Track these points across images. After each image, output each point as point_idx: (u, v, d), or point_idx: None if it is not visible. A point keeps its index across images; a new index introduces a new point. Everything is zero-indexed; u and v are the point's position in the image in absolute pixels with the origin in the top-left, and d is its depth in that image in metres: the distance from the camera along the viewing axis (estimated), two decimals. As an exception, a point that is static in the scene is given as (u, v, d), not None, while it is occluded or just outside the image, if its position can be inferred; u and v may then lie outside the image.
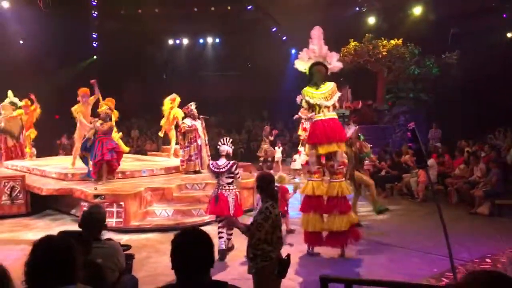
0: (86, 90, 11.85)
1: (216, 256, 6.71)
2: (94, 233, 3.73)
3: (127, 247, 4.40)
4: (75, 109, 11.63)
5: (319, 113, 6.99)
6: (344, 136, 7.14)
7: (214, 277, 5.91)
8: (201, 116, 11.60)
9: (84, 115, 11.59)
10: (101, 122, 10.09)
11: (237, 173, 7.25)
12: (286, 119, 20.35)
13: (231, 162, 7.21)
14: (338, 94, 7.12)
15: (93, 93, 11.94)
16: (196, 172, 11.21)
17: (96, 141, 9.86)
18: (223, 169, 7.13)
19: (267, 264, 4.10)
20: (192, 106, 11.60)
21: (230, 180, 7.19)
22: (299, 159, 13.80)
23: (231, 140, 7.64)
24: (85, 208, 3.93)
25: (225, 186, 7.16)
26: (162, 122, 13.54)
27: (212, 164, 7.33)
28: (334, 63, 7.13)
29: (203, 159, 11.48)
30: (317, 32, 7.14)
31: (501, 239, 6.00)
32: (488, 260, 5.58)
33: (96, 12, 21.20)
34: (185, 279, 2.31)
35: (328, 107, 7.00)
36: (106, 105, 10.68)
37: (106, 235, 8.03)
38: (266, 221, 4.09)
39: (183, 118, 11.98)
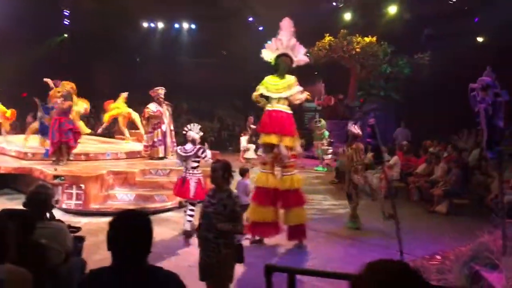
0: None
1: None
2: (39, 213, 3.63)
3: (77, 229, 4.32)
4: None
5: (270, 103, 7.02)
6: (291, 131, 7.03)
7: (172, 263, 5.89)
8: (166, 103, 11.48)
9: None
10: (62, 100, 9.85)
11: (205, 157, 7.52)
12: (260, 109, 20.26)
13: (198, 147, 7.51)
14: (297, 88, 7.13)
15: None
16: (160, 158, 11.10)
17: (53, 120, 9.63)
18: (190, 153, 7.45)
19: (229, 252, 4.12)
20: (160, 91, 11.44)
21: (195, 165, 7.57)
22: (253, 148, 13.97)
23: (199, 126, 7.88)
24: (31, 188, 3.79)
25: (189, 170, 7.52)
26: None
27: (180, 148, 7.65)
28: (301, 56, 7.14)
29: (167, 146, 11.39)
30: (286, 24, 7.14)
31: (451, 237, 6.15)
32: (438, 257, 5.72)
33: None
34: (119, 262, 2.29)
35: (280, 99, 7.02)
36: (67, 85, 10.44)
37: (64, 217, 8.02)
38: (240, 210, 4.23)
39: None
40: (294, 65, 7.19)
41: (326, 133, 15.82)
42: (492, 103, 4.39)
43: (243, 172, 7.74)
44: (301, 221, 7.01)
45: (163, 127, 11.29)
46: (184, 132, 7.83)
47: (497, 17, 14.41)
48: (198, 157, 7.50)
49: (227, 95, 24.27)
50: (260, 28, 21.71)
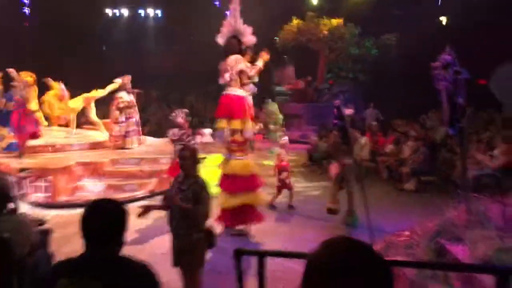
0: None
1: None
2: (-1, 206, 3.52)
3: (41, 221, 4.23)
4: None
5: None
6: (239, 114, 6.84)
7: (145, 251, 5.84)
8: (134, 90, 11.29)
9: None
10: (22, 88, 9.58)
11: (192, 142, 7.68)
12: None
13: (182, 131, 7.74)
14: (240, 66, 6.85)
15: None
16: (129, 148, 10.95)
17: (17, 112, 9.36)
18: (176, 138, 7.75)
19: (200, 236, 4.12)
20: (127, 79, 11.24)
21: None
22: (209, 133, 13.86)
23: (185, 111, 8.06)
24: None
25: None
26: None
27: (170, 133, 7.96)
28: (248, 37, 7.07)
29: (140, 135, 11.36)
30: (233, 5, 7.08)
31: (419, 213, 6.32)
32: (406, 232, 5.85)
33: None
34: (89, 251, 2.24)
35: (232, 81, 6.95)
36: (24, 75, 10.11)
37: (32, 210, 7.85)
38: (208, 195, 4.16)
39: (117, 91, 11.46)
40: (243, 47, 7.05)
41: (280, 117, 15.62)
42: (452, 81, 4.48)
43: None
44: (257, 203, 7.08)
45: (137, 117, 11.16)
46: (170, 118, 8.09)
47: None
48: (183, 141, 7.59)
49: (196, 81, 24.05)
50: (227, 12, 21.49)
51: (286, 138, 12.70)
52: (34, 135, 9.62)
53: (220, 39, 7.13)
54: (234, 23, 7.02)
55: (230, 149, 7.00)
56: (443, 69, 4.53)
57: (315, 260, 1.22)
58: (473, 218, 4.77)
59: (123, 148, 10.93)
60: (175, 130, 7.85)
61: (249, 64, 7.02)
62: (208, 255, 4.46)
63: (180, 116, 7.90)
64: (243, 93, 6.94)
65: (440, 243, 4.79)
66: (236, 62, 6.87)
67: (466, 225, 4.74)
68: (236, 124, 6.85)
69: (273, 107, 15.55)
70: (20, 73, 10.40)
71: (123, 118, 11.02)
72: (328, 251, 1.22)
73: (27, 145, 9.56)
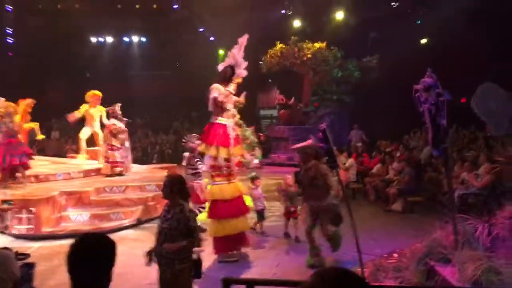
0: None
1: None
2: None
3: (25, 255, 4.13)
4: None
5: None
6: (211, 140, 6.92)
7: (132, 282, 5.71)
8: (124, 119, 11.32)
9: None
10: (9, 121, 9.48)
11: (198, 164, 8.23)
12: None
13: (190, 155, 8.27)
14: (213, 94, 6.92)
15: None
16: (118, 175, 10.91)
17: (4, 144, 9.24)
18: (186, 162, 8.27)
19: (185, 266, 4.05)
20: (117, 107, 11.29)
21: (191, 172, 8.33)
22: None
23: (196, 136, 8.39)
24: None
25: (190, 177, 8.10)
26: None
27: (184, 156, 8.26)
28: (241, 70, 7.27)
29: (129, 162, 11.35)
30: (242, 39, 7.29)
31: (407, 234, 6.32)
32: (395, 255, 5.85)
33: (10, 7, 19.95)
34: (77, 286, 2.19)
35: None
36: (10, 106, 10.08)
37: (15, 242, 7.68)
38: (196, 224, 4.14)
39: (107, 118, 11.55)
40: (235, 76, 7.21)
41: (255, 140, 15.37)
42: (434, 103, 4.56)
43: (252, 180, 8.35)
44: (245, 229, 7.15)
45: (127, 143, 11.19)
46: (183, 143, 8.69)
47: (437, 18, 15.05)
48: (192, 165, 8.08)
49: (182, 106, 24.11)
50: (212, 38, 21.75)
51: (256, 160, 12.81)
52: (26, 165, 9.48)
53: (220, 67, 7.33)
54: (236, 55, 7.21)
55: (210, 175, 7.13)
56: (425, 91, 4.60)
57: None
58: (460, 239, 4.78)
59: (120, 174, 10.88)
60: (187, 154, 8.34)
61: (232, 91, 7.12)
62: (196, 285, 4.38)
63: (192, 140, 8.30)
64: (223, 120, 7.00)
65: (429, 265, 4.79)
66: (212, 90, 6.95)
67: (454, 246, 4.75)
68: (212, 150, 6.88)
69: (245, 132, 15.31)
70: (6, 103, 10.35)
71: (118, 145, 11.02)
72: (321, 282, 1.24)
73: (21, 176, 9.44)
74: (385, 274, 5.06)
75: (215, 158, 6.89)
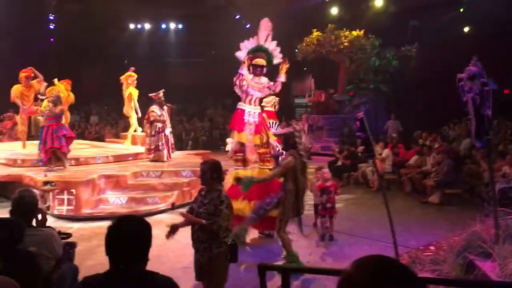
0: (28, 71, 11.44)
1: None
2: (26, 220, 3.57)
3: (67, 235, 4.28)
4: (14, 90, 11.29)
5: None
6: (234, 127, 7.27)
7: (167, 265, 5.84)
8: (168, 105, 11.47)
9: (23, 97, 11.28)
10: (52, 106, 9.74)
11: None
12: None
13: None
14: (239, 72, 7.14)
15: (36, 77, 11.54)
16: (162, 162, 11.12)
17: (46, 127, 9.54)
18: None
19: (222, 251, 4.10)
20: (161, 94, 11.46)
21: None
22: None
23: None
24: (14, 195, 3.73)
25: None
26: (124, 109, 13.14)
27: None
28: (276, 56, 7.43)
29: (170, 149, 11.49)
30: (265, 24, 7.31)
31: (444, 227, 6.18)
32: (431, 247, 5.73)
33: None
34: (116, 268, 2.26)
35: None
36: (55, 89, 10.34)
37: (56, 223, 7.95)
38: (228, 209, 4.12)
39: (150, 105, 11.66)
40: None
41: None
42: (479, 93, 4.40)
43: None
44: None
45: (167, 131, 11.34)
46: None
47: (481, 7, 14.51)
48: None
49: (216, 94, 24.23)
50: (248, 26, 21.66)
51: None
52: (61, 149, 9.73)
53: (240, 53, 7.30)
54: (263, 42, 7.30)
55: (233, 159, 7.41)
56: (470, 81, 4.45)
57: (349, 279, 1.21)
58: (502, 233, 4.64)
59: (158, 161, 11.07)
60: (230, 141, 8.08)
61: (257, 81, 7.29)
62: (232, 269, 4.42)
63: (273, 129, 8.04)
64: (243, 106, 7.25)
65: (467, 259, 4.68)
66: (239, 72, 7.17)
67: (495, 240, 4.61)
68: (234, 136, 7.27)
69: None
70: (61, 82, 10.65)
71: (153, 132, 11.19)
72: (362, 270, 1.21)
73: (59, 159, 9.72)
74: (422, 266, 4.96)
75: (233, 142, 7.23)
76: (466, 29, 17.62)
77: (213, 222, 4.03)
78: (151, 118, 11.14)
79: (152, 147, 11.19)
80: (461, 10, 17.14)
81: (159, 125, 11.17)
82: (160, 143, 11.20)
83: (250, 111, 7.22)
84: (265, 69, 7.34)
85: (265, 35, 7.27)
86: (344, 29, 17.70)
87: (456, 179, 9.86)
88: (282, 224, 5.75)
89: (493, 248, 4.52)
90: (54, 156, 9.65)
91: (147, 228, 2.36)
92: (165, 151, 11.36)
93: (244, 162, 7.26)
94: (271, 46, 7.33)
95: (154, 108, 11.23)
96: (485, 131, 4.56)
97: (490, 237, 4.75)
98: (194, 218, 4.16)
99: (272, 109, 8.75)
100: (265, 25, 7.29)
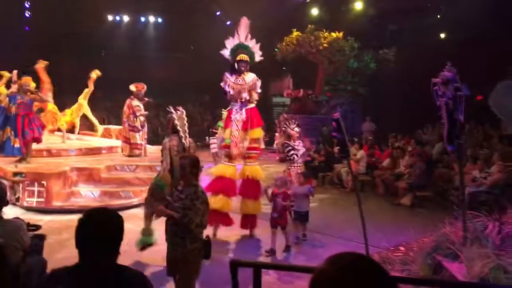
0: None
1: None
2: (-6, 211, 3.49)
3: (36, 227, 4.19)
4: None
5: None
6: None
7: (138, 260, 5.77)
8: (145, 98, 11.39)
9: None
10: (21, 94, 9.53)
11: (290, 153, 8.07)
12: (227, 105, 20.18)
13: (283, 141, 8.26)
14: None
15: None
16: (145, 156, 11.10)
17: (20, 116, 9.32)
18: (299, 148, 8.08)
19: (196, 246, 4.10)
20: (144, 89, 11.43)
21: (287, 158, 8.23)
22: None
23: (296, 122, 8.41)
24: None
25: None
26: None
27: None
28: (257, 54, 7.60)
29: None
30: (244, 22, 7.52)
31: (415, 229, 6.29)
32: (402, 248, 5.84)
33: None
34: (85, 261, 2.22)
35: None
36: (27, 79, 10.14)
37: (25, 215, 7.78)
38: (203, 204, 4.13)
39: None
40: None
41: None
42: (452, 97, 4.50)
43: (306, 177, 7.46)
44: (255, 212, 7.39)
45: (145, 126, 11.34)
46: (283, 129, 8.46)
47: (458, 13, 14.80)
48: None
49: (195, 90, 24.07)
50: (228, 23, 21.60)
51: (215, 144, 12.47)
52: (37, 140, 9.57)
53: (225, 52, 7.51)
54: (244, 39, 7.45)
55: (245, 156, 7.65)
56: (443, 85, 4.55)
57: (323, 275, 1.21)
58: (470, 235, 4.75)
59: (138, 156, 10.99)
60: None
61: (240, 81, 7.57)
62: (204, 265, 4.41)
63: (291, 127, 8.23)
64: (232, 105, 7.64)
65: (436, 260, 4.77)
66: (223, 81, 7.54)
67: (463, 242, 4.72)
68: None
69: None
70: (23, 77, 10.40)
71: (139, 126, 11.09)
72: (336, 267, 1.21)
73: (30, 150, 9.54)
74: (391, 266, 5.06)
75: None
76: (442, 35, 17.95)
77: (184, 215, 4.03)
78: (138, 113, 11.04)
79: (142, 141, 11.17)
80: (438, 16, 17.46)
81: (142, 119, 11.13)
82: (143, 138, 11.22)
83: (237, 109, 7.49)
84: (248, 66, 7.51)
85: (245, 33, 7.45)
86: (324, 30, 17.82)
87: (428, 182, 10.06)
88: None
89: (461, 250, 4.62)
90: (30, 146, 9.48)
91: (119, 220, 2.32)
92: (145, 146, 11.43)
93: (230, 157, 7.50)
94: (251, 43, 7.50)
95: (136, 102, 11.16)
96: (457, 135, 4.66)
97: (458, 239, 4.86)
98: (167, 211, 4.16)
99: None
100: (245, 24, 7.49)
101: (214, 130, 14.97)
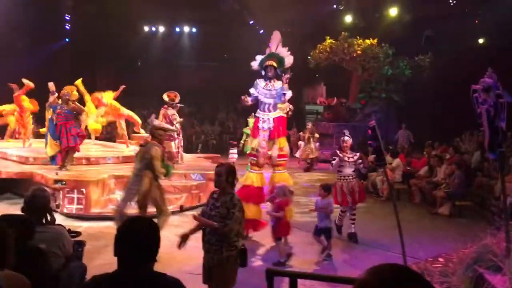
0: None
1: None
2: (37, 217, 3.61)
3: (76, 233, 4.30)
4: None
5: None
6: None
7: (173, 268, 5.85)
8: (178, 105, 11.60)
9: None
10: (61, 104, 9.83)
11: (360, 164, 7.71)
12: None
13: (358, 154, 7.69)
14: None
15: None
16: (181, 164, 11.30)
17: (58, 126, 9.63)
18: (351, 160, 7.52)
19: (232, 254, 4.12)
20: (178, 98, 11.65)
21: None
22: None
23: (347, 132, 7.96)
24: (27, 192, 3.77)
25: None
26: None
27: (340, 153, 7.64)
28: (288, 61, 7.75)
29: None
30: (276, 36, 7.74)
31: (454, 239, 6.11)
32: (441, 259, 5.69)
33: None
34: (124, 268, 2.28)
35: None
36: (69, 89, 10.44)
37: (65, 221, 8.00)
38: (240, 213, 4.16)
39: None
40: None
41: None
42: (494, 104, 4.37)
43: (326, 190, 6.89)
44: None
45: (181, 134, 11.57)
46: (342, 140, 7.72)
47: (497, 18, 14.41)
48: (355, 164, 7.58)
49: (228, 98, 24.27)
50: (261, 31, 21.73)
51: (234, 154, 12.42)
52: (75, 148, 9.83)
53: (254, 63, 7.79)
54: (273, 49, 7.64)
55: (273, 164, 7.77)
56: (484, 92, 4.42)
57: (366, 286, 1.19)
58: (512, 247, 4.59)
59: (175, 163, 11.16)
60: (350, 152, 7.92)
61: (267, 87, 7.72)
62: (240, 274, 4.41)
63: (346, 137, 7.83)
64: (259, 113, 7.77)
65: (477, 272, 4.62)
66: None
67: (506, 254, 4.56)
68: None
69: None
70: (65, 87, 10.74)
71: (175, 135, 11.29)
72: (379, 277, 1.20)
73: (71, 158, 9.81)
74: (430, 278, 4.92)
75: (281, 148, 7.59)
76: (480, 40, 17.49)
77: (225, 224, 4.05)
78: (174, 122, 11.24)
79: (177, 150, 11.36)
80: (476, 21, 17.04)
81: (178, 126, 11.36)
82: (179, 145, 11.43)
83: (264, 118, 7.57)
84: (278, 70, 7.63)
85: (275, 45, 7.62)
86: (358, 37, 17.67)
87: (467, 191, 9.78)
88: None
89: (503, 261, 4.46)
90: (66, 155, 9.75)
91: (156, 229, 2.38)
92: (180, 154, 11.63)
93: (258, 166, 7.59)
94: (282, 51, 7.63)
95: (172, 111, 11.37)
96: (499, 143, 4.52)
97: (500, 250, 4.69)
98: (206, 220, 4.20)
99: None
100: (276, 36, 7.69)
101: (233, 142, 15.16)
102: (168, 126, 6.89)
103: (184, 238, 4.32)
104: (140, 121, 13.52)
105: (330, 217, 6.76)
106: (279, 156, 7.55)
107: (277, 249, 6.49)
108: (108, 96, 12.75)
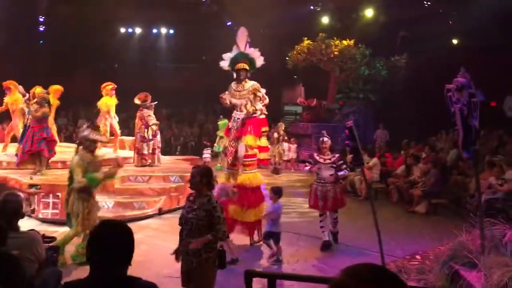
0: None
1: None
2: (9, 223, 3.52)
3: (51, 239, 4.22)
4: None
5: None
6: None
7: (151, 271, 5.78)
8: (153, 104, 11.53)
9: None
10: (36, 108, 9.56)
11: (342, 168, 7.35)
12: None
13: (337, 155, 7.35)
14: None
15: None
16: (155, 166, 11.16)
17: (29, 128, 9.42)
18: (327, 161, 7.23)
19: (211, 256, 4.10)
20: (149, 98, 11.54)
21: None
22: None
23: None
24: (-1, 197, 3.68)
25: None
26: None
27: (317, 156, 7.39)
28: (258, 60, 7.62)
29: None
30: (241, 33, 7.60)
31: (430, 237, 6.19)
32: (418, 257, 5.77)
33: (43, -6, 20.30)
34: (96, 273, 2.24)
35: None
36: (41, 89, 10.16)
37: (40, 226, 7.85)
38: (222, 213, 4.21)
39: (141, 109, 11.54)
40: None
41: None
42: (467, 104, 4.45)
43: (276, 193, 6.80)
44: (252, 219, 7.27)
45: (159, 136, 11.46)
46: (321, 141, 7.47)
47: (470, 19, 14.69)
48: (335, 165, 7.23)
49: (207, 100, 24.19)
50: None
51: (207, 154, 12.32)
52: (41, 153, 9.55)
53: (223, 63, 7.65)
54: (243, 49, 7.49)
55: (242, 163, 7.58)
56: (458, 91, 4.50)
57: (341, 286, 1.19)
58: (487, 244, 4.67)
59: (150, 165, 11.04)
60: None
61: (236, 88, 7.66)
62: (219, 276, 4.39)
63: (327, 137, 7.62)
64: (233, 114, 7.71)
65: (453, 269, 4.70)
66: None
67: (481, 251, 4.64)
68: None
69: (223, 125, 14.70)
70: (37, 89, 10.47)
71: (150, 136, 11.18)
72: (354, 277, 1.19)
73: (39, 162, 9.59)
74: (408, 276, 4.98)
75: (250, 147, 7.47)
76: (455, 41, 17.81)
77: (217, 230, 4.05)
78: (150, 123, 11.13)
79: (151, 151, 11.22)
80: (450, 22, 17.35)
81: (154, 128, 11.23)
82: (156, 147, 11.27)
83: (234, 117, 7.55)
84: (248, 73, 7.52)
85: (243, 42, 7.46)
86: (335, 38, 17.79)
87: (443, 189, 9.94)
88: None
89: (478, 258, 4.55)
90: (36, 159, 9.51)
91: (129, 232, 2.33)
92: (159, 155, 11.53)
93: (231, 166, 7.55)
94: (251, 51, 7.49)
95: (148, 112, 11.25)
96: (472, 142, 4.60)
97: (476, 247, 4.78)
98: (197, 243, 4.06)
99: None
100: (242, 34, 7.54)
101: (206, 143, 15.09)
102: (97, 137, 6.57)
103: (178, 254, 4.32)
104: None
105: (279, 221, 6.72)
106: (246, 156, 7.33)
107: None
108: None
